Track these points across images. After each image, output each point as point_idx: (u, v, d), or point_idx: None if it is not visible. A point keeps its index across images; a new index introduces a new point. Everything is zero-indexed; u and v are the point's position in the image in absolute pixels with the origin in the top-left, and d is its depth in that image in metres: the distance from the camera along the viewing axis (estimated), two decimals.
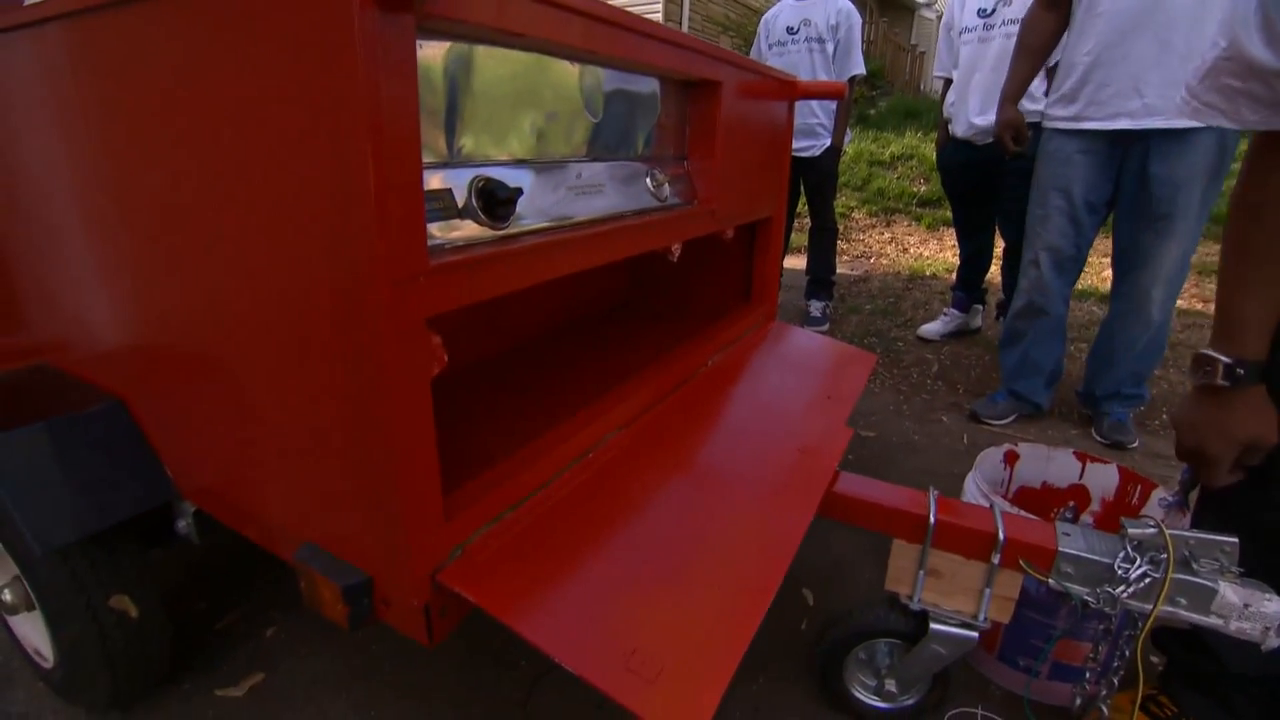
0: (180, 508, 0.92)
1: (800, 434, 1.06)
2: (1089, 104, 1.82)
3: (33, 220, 0.91)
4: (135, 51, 0.67)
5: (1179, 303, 3.55)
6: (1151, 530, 0.86)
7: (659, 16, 9.63)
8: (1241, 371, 0.82)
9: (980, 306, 3.01)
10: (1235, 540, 0.83)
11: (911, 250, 4.53)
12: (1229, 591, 0.81)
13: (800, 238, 4.14)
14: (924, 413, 2.26)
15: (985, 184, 2.69)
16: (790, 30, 2.91)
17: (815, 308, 3.08)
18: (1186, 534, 0.85)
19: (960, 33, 2.68)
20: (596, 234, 0.81)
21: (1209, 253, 4.25)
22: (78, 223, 0.84)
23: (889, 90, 10.08)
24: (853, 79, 2.91)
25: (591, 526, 0.82)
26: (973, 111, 2.63)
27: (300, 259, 0.60)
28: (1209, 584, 0.82)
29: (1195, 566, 0.83)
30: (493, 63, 0.72)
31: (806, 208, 3.13)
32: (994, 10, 2.53)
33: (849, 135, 3.07)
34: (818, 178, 2.96)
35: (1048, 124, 1.97)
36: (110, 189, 0.77)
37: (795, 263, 3.82)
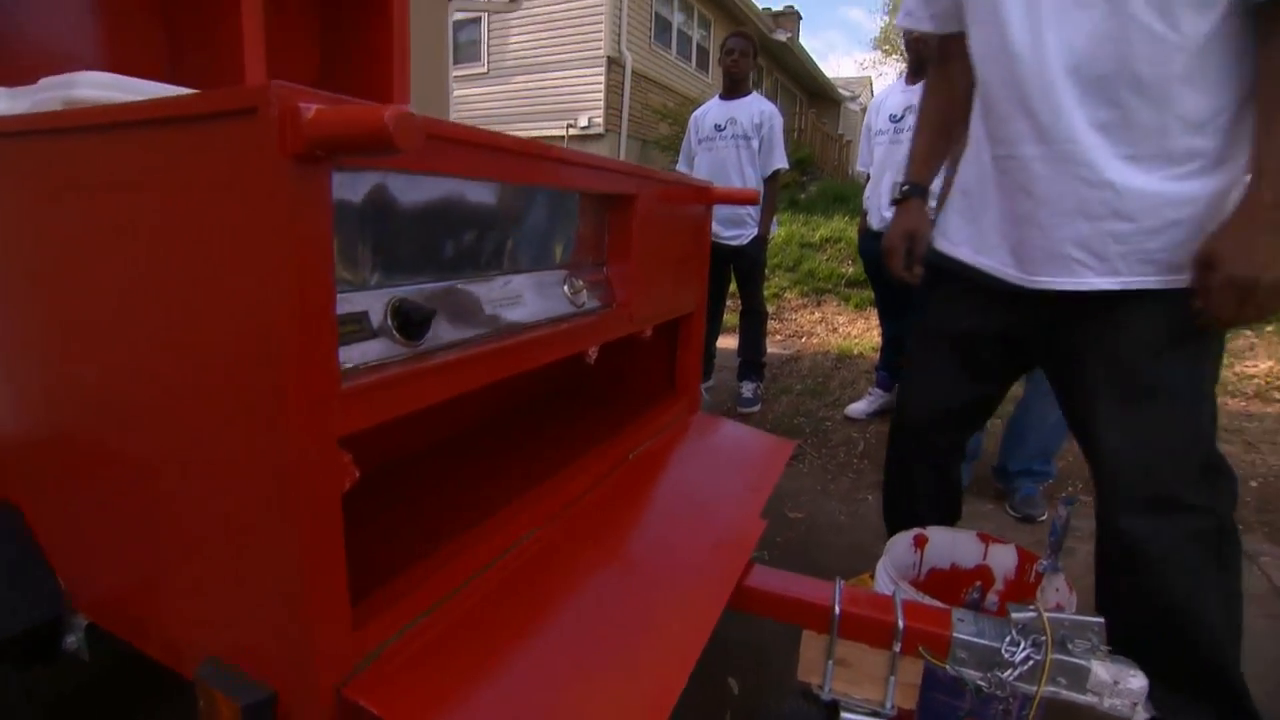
0: (72, 621, 0.90)
1: (716, 527, 1.11)
2: None
3: None
4: (62, 174, 0.71)
5: None
6: (1032, 614, 0.93)
7: (600, 105, 10.14)
8: (906, 188, 1.40)
9: None
10: (1102, 620, 0.91)
11: (840, 330, 4.77)
12: (1100, 669, 0.88)
13: (734, 318, 4.33)
14: (850, 492, 2.36)
15: None
16: (718, 127, 3.14)
17: (747, 389, 3.20)
18: (1062, 616, 0.92)
19: (875, 134, 2.95)
20: (512, 345, 0.87)
21: None
22: None
23: (818, 175, 10.74)
24: (776, 173, 3.14)
25: (506, 628, 0.84)
26: (884, 206, 2.87)
27: (213, 377, 0.64)
28: (1083, 663, 0.89)
29: (1070, 647, 0.91)
30: (410, 188, 0.79)
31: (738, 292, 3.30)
32: (903, 116, 2.81)
33: (775, 225, 3.27)
34: (747, 265, 3.14)
35: None
36: (20, 296, 0.79)
37: (729, 343, 3.96)
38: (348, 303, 0.71)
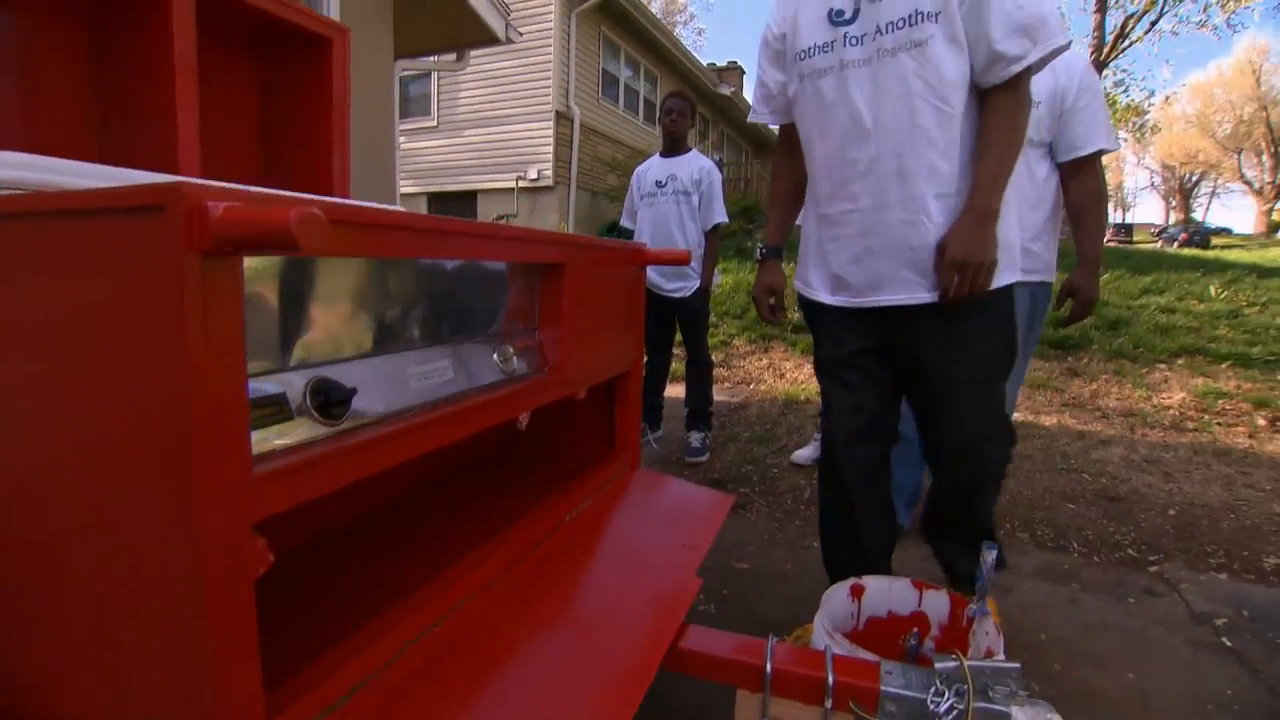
0: None
1: (651, 589, 1.12)
2: None
3: None
4: None
5: (1015, 416, 4.02)
6: (954, 664, 0.96)
7: (550, 158, 10.32)
8: (765, 250, 1.73)
9: None
10: (1018, 665, 0.94)
11: (788, 375, 4.87)
12: (1019, 714, 0.91)
13: (681, 366, 4.39)
14: (796, 540, 2.38)
15: None
16: (659, 184, 3.24)
17: (695, 439, 3.23)
18: (983, 664, 0.96)
19: None
20: (438, 417, 0.88)
21: (1038, 368, 4.84)
22: None
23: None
24: (716, 226, 3.24)
25: (435, 701, 0.83)
26: None
27: (122, 465, 0.63)
28: (1004, 709, 0.92)
29: (992, 694, 0.94)
30: (330, 268, 0.80)
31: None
32: None
33: (718, 276, 3.37)
34: (691, 316, 3.21)
35: None
36: None
37: (677, 391, 4.01)
38: (266, 386, 0.71)
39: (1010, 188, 1.43)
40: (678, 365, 4.42)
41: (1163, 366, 4.92)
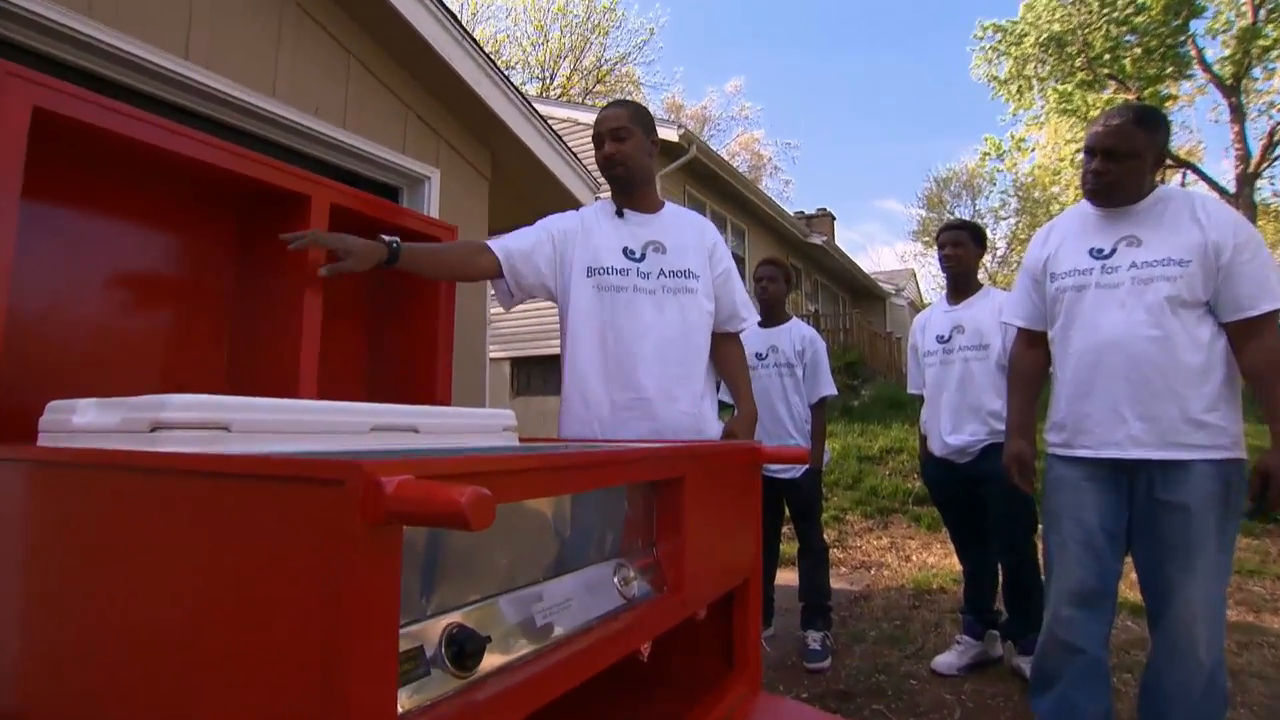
0: None
1: None
2: (1076, 432, 2.03)
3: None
4: (153, 505, 0.82)
5: (1227, 613, 3.58)
6: None
7: None
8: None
9: (997, 632, 3.01)
10: None
11: (914, 558, 4.62)
12: None
13: (791, 548, 4.23)
14: None
15: (971, 499, 2.90)
16: (759, 356, 3.35)
17: (814, 639, 3.07)
18: None
19: (924, 355, 3.11)
20: (564, 660, 0.91)
21: (1244, 546, 4.38)
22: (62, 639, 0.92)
23: (870, 377, 11.04)
24: (823, 400, 3.28)
25: None
26: (945, 430, 2.94)
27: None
28: None
29: None
30: None
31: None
32: (950, 337, 2.98)
33: (828, 454, 3.36)
34: (801, 501, 3.17)
35: (1049, 450, 2.17)
36: (82, 611, 0.87)
37: (788, 578, 3.86)
38: (405, 639, 0.77)
39: (1162, 355, 1.90)
40: (788, 546, 4.29)
41: None
